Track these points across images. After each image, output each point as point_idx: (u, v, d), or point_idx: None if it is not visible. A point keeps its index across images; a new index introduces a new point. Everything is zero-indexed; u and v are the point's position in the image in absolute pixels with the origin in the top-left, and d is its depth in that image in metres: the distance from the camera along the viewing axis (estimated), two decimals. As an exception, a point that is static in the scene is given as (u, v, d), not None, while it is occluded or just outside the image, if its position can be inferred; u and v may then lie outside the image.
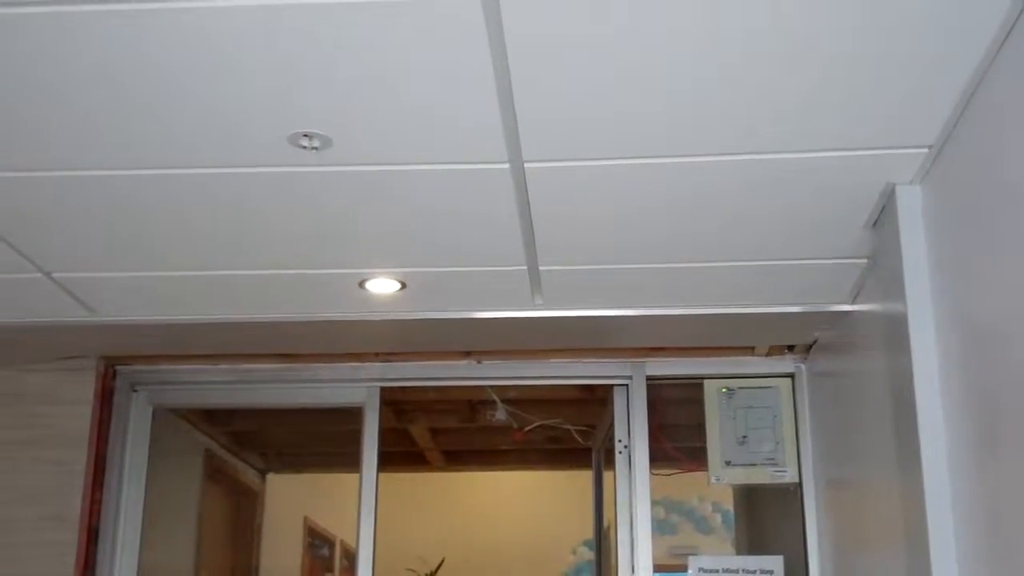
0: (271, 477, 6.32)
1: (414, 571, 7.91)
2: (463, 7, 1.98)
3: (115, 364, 4.28)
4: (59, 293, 3.44)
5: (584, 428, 5.05)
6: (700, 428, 4.17)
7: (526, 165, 2.58)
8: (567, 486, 7.28)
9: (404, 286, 3.38)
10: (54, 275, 3.31)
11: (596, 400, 4.69)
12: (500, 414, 4.82)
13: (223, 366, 4.28)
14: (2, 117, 2.37)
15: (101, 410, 4.21)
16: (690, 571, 4.06)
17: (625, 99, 2.29)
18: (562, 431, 5.04)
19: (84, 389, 4.19)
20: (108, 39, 2.08)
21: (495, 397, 4.74)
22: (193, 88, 2.25)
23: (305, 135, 2.44)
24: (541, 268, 3.23)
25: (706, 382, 4.20)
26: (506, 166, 2.58)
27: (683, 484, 4.47)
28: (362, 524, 4.15)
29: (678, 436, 4.39)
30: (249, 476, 6.05)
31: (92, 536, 4.11)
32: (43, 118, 2.38)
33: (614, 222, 2.91)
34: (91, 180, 2.67)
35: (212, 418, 5.28)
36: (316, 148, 2.48)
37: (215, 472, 5.48)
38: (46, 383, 4.21)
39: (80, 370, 4.20)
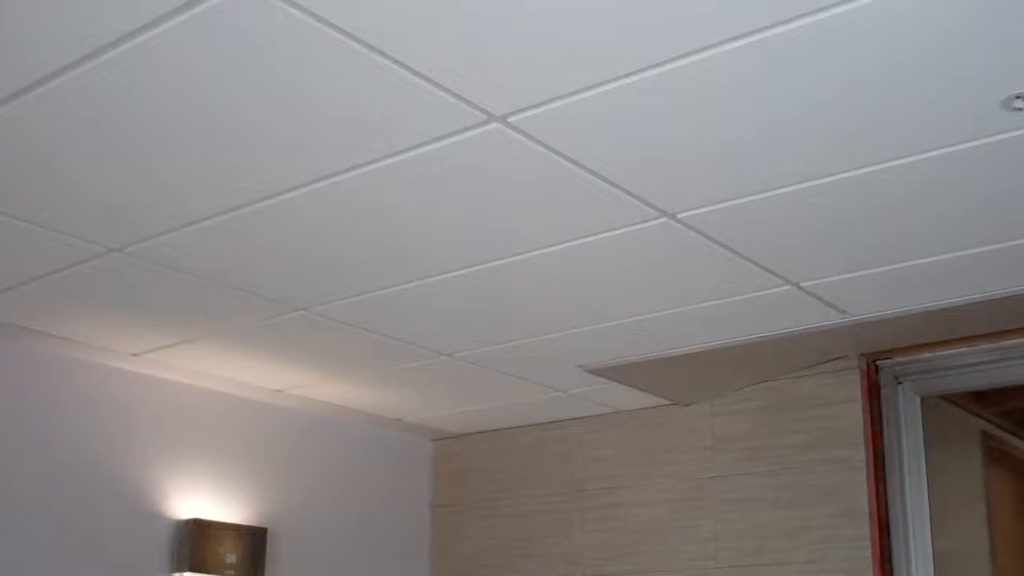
0: (1062, 454, 5.99)
1: None
2: None
3: (876, 359, 4.38)
4: (809, 300, 3.63)
5: None
6: None
7: None
8: None
9: None
10: (802, 284, 3.50)
11: None
12: None
13: (984, 346, 4.16)
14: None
15: (870, 406, 4.32)
16: None
17: None
18: None
19: (850, 388, 4.35)
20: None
21: None
22: (894, 72, 2.31)
23: (1018, 96, 2.36)
24: None
25: None
26: None
27: None
28: None
29: None
30: (1034, 455, 5.80)
31: (884, 529, 4.21)
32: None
33: None
34: (816, 189, 2.83)
35: (983, 399, 5.15)
36: (1033, 107, 2.39)
37: (996, 453, 5.34)
38: (814, 386, 4.44)
39: (843, 370, 4.37)
